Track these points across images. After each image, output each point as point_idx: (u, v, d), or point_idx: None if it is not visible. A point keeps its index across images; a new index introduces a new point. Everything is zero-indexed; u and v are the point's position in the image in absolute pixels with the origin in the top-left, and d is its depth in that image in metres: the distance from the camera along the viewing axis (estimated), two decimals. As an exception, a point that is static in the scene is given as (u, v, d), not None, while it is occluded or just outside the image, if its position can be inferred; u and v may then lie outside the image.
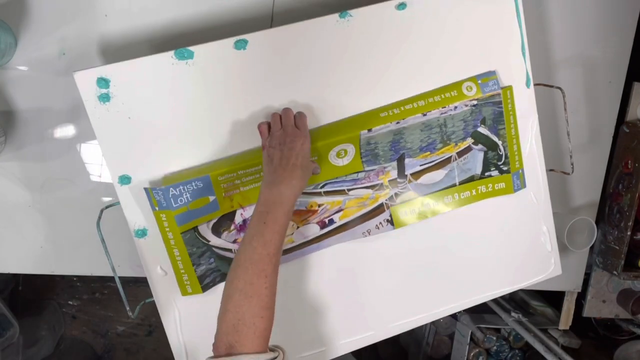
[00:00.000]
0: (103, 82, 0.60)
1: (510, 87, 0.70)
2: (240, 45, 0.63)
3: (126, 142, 0.63)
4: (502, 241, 0.77)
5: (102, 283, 1.55)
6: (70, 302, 1.55)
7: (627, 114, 0.92)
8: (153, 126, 0.63)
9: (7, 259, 0.77)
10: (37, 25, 0.70)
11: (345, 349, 0.74)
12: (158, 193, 0.61)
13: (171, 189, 0.61)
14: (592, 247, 0.94)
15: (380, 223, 0.70)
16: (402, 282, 0.74)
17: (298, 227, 0.68)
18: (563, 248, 0.92)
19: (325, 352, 0.73)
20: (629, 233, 0.89)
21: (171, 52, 0.62)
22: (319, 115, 0.67)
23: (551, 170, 0.81)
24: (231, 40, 0.63)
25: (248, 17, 0.74)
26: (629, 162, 0.90)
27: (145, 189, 0.61)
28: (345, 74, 0.67)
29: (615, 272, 0.92)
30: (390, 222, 0.70)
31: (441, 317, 0.77)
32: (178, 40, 0.73)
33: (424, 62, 0.69)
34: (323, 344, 0.73)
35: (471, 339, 1.26)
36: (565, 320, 1.04)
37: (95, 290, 1.55)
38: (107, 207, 0.66)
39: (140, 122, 0.62)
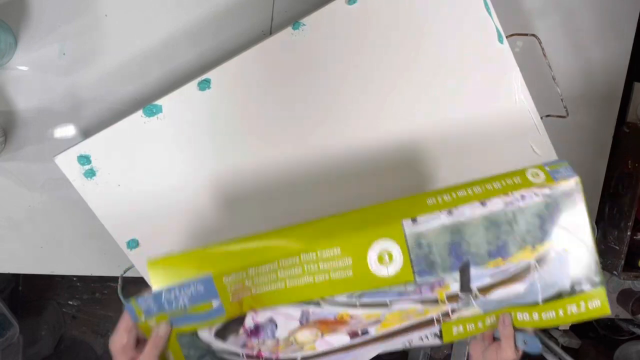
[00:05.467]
0: (84, 159, 0.62)
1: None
2: (204, 85, 0.63)
3: (123, 208, 0.64)
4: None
5: (102, 283, 1.55)
6: (70, 302, 1.55)
7: (627, 114, 0.92)
8: (144, 187, 0.64)
9: (7, 259, 0.77)
10: (37, 25, 0.70)
11: None
12: (146, 301, 0.51)
13: (164, 294, 0.51)
14: (592, 247, 0.94)
15: (426, 336, 0.56)
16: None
17: (323, 336, 0.57)
18: (563, 248, 0.92)
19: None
20: (629, 233, 0.89)
21: (140, 112, 0.62)
22: (300, 135, 0.67)
23: (547, 115, 0.79)
24: (194, 83, 0.63)
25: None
26: (629, 162, 0.90)
27: (127, 305, 0.51)
28: (316, 88, 0.67)
29: (615, 272, 0.91)
30: (439, 336, 0.56)
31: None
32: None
33: (390, 49, 0.68)
34: None
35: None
36: (565, 320, 1.04)
37: (95, 290, 1.55)
38: (125, 272, 0.69)
39: (130, 186, 0.64)
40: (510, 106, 0.74)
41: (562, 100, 0.78)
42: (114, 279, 0.67)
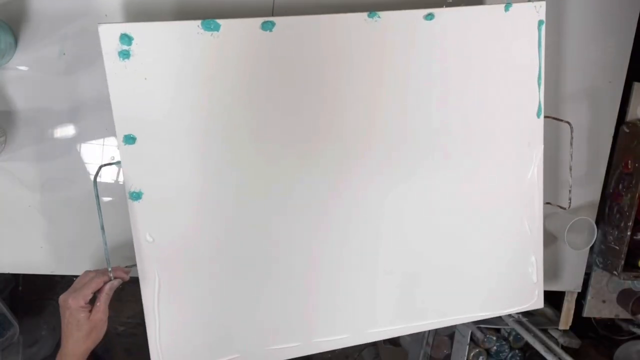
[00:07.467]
0: (126, 38, 0.60)
1: None
2: (267, 26, 0.63)
3: (138, 102, 0.62)
4: (489, 264, 0.78)
5: (102, 283, 1.54)
6: (70, 302, 1.55)
7: (627, 114, 0.92)
8: (168, 91, 0.63)
9: (7, 259, 0.77)
10: (37, 25, 0.70)
11: (321, 348, 0.74)
12: None
13: None
14: (592, 247, 0.94)
15: None
16: (380, 289, 0.74)
17: None
18: (563, 248, 0.92)
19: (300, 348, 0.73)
20: (629, 233, 0.89)
21: (198, 22, 0.62)
22: (335, 112, 0.67)
23: (547, 203, 0.81)
24: (259, 20, 0.63)
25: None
26: (629, 162, 0.90)
27: None
28: (369, 75, 0.67)
29: (615, 272, 0.91)
30: None
31: (412, 332, 0.77)
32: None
33: (444, 73, 0.70)
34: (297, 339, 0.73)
35: (471, 339, 1.26)
36: (565, 320, 1.04)
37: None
38: (105, 165, 0.66)
39: (155, 85, 0.62)
40: (522, 178, 0.76)
41: (569, 191, 0.80)
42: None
